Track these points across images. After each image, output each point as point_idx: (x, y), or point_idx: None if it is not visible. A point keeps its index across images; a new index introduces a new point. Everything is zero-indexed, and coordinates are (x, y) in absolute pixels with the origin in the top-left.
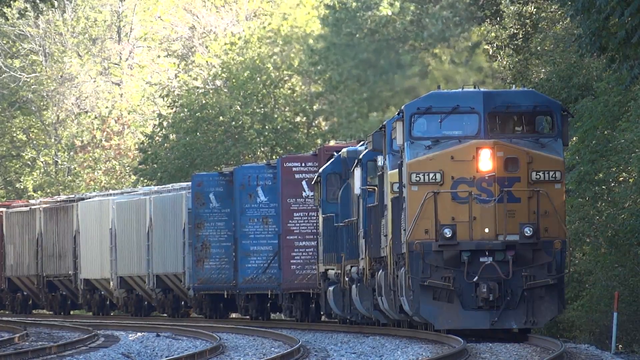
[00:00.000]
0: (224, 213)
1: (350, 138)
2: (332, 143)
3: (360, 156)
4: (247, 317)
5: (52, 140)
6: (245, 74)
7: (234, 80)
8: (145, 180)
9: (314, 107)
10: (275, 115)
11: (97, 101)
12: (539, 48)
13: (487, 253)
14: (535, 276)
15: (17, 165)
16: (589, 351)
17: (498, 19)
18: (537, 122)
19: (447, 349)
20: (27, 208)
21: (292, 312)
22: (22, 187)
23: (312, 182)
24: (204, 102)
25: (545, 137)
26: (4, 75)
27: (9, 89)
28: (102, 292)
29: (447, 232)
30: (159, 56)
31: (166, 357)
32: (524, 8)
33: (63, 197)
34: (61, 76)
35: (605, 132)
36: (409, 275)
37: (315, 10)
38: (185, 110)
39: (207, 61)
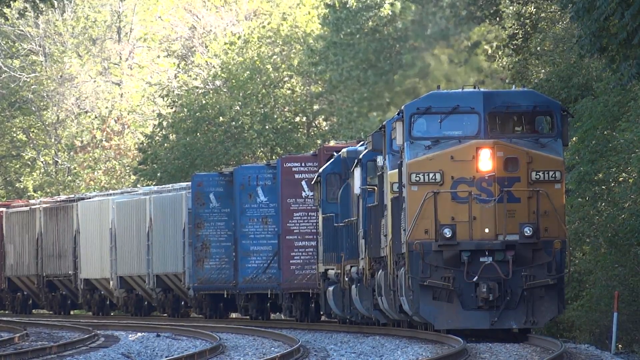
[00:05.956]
0: (224, 213)
1: (350, 138)
2: (332, 143)
3: (360, 156)
4: (247, 317)
5: (52, 140)
6: (245, 74)
7: (233, 80)
8: (145, 180)
9: (314, 107)
10: (275, 116)
11: (97, 101)
12: (538, 48)
13: (487, 253)
14: (535, 276)
15: (17, 165)
16: (589, 351)
17: (497, 19)
18: (537, 122)
19: (447, 349)
20: (27, 208)
21: (292, 312)
22: (22, 187)
23: (312, 182)
24: (203, 102)
25: (545, 137)
26: (4, 75)
27: (9, 89)
28: (102, 292)
29: (447, 232)
30: (158, 56)
31: (166, 357)
32: (524, 8)
33: (63, 197)
34: (61, 76)
35: (605, 132)
36: (408, 275)
37: (315, 10)
38: (185, 110)
39: (206, 61)
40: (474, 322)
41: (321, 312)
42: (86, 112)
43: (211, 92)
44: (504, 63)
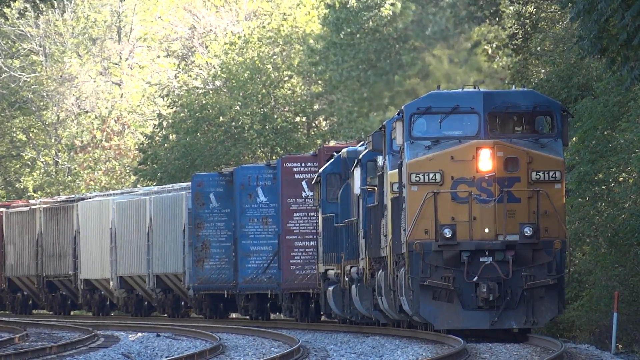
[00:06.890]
0: (224, 213)
1: (350, 138)
2: (332, 143)
3: (360, 156)
4: (247, 317)
5: (52, 140)
6: (245, 75)
7: (233, 80)
8: (145, 181)
9: (314, 107)
10: (275, 116)
11: (97, 101)
12: (538, 48)
13: (487, 253)
14: (535, 276)
15: (17, 165)
16: (589, 351)
17: (497, 19)
18: (537, 122)
19: (447, 349)
20: (27, 208)
21: (292, 312)
22: (22, 187)
23: (312, 182)
24: (204, 102)
25: (545, 137)
26: (4, 75)
27: (9, 89)
28: (102, 292)
29: (447, 232)
30: (158, 56)
31: (166, 357)
32: (524, 8)
33: (63, 197)
34: (61, 76)
35: (605, 132)
36: (408, 275)
37: (315, 10)
38: (185, 110)
39: (206, 62)
40: (474, 322)
41: (321, 312)
42: (86, 112)
43: (211, 92)
44: (504, 63)
